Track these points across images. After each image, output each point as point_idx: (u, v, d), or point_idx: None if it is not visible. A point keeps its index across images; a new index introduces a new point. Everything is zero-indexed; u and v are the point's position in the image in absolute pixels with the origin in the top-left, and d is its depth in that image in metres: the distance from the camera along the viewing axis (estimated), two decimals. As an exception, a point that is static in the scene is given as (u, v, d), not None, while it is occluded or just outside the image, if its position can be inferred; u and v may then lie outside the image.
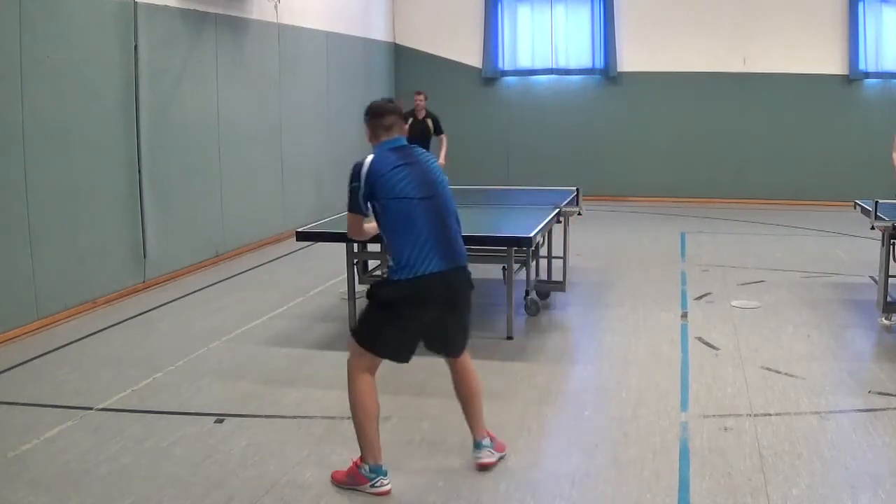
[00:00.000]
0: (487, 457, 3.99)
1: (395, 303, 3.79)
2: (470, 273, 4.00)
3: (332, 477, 3.88)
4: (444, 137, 10.70)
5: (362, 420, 3.78)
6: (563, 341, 6.15)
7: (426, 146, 10.06)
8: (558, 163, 13.07)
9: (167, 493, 3.77)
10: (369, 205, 3.87)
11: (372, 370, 3.85)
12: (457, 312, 3.96)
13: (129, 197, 7.32)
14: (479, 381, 4.08)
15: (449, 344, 4.02)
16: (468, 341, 4.07)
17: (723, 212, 12.07)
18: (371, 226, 4.00)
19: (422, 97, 10.66)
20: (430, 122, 10.63)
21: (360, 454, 3.80)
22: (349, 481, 3.80)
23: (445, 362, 4.07)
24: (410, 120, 10.50)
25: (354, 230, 4.05)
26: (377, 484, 3.75)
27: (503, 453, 4.09)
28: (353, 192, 3.87)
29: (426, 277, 3.75)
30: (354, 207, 3.91)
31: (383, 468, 3.78)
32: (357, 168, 3.85)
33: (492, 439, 4.06)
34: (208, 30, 8.41)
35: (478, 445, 4.01)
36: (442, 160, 10.09)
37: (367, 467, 3.76)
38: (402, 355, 3.91)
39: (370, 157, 3.86)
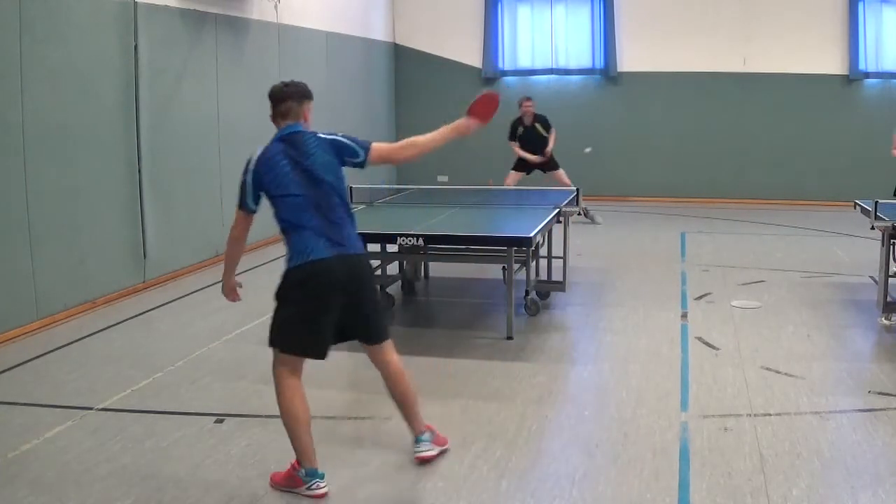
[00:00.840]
0: (427, 450, 4.00)
1: (290, 293, 3.73)
2: (366, 260, 3.97)
3: (271, 479, 3.84)
4: (553, 130, 10.72)
5: (292, 426, 3.71)
6: (563, 341, 6.15)
7: (541, 151, 10.60)
8: (558, 163, 13.04)
9: (167, 493, 3.77)
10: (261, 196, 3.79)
11: (295, 372, 3.76)
12: (358, 298, 3.79)
13: (129, 197, 7.32)
14: (408, 381, 3.99)
15: (362, 329, 3.88)
16: (385, 330, 3.95)
17: (723, 212, 12.08)
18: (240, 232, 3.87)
19: (530, 104, 10.57)
20: (539, 126, 10.61)
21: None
22: (286, 483, 3.77)
23: (372, 362, 3.97)
24: (520, 129, 10.65)
25: (235, 230, 3.90)
26: (313, 487, 3.72)
27: (444, 447, 4.11)
28: (241, 187, 3.80)
29: (315, 263, 3.67)
30: (241, 204, 3.82)
31: (319, 471, 3.74)
32: (247, 161, 3.80)
33: (431, 432, 4.07)
34: (208, 30, 8.42)
35: (417, 440, 4.02)
36: (549, 150, 10.65)
37: (303, 471, 3.73)
38: (313, 349, 3.77)
39: (259, 149, 3.81)
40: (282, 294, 3.77)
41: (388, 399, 4.71)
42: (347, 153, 3.85)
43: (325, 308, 3.72)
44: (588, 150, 11.43)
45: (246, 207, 3.81)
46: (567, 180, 10.36)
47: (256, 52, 9.32)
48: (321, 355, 3.81)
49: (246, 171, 3.80)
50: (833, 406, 4.74)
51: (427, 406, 4.74)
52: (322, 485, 3.73)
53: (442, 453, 4.09)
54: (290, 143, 3.79)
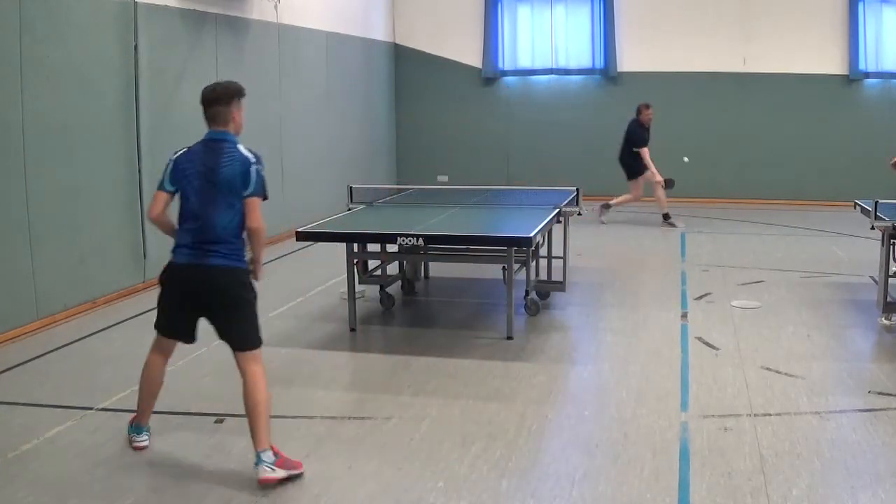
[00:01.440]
0: (265, 472, 3.77)
1: (161, 282, 4.22)
2: (224, 273, 3.99)
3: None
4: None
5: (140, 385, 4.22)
6: (563, 341, 6.15)
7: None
8: (558, 163, 13.07)
9: (167, 493, 3.77)
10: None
11: (162, 351, 4.22)
12: (216, 306, 3.99)
13: (129, 197, 7.32)
14: (261, 393, 3.90)
15: (223, 335, 4.04)
16: (245, 339, 3.97)
17: (723, 212, 12.08)
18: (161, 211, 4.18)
19: (650, 111, 10.82)
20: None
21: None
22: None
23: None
24: (647, 136, 10.87)
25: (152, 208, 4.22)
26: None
27: (294, 471, 3.86)
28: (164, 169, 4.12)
29: (174, 267, 4.11)
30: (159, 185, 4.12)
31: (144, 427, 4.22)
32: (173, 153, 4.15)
33: (275, 454, 3.84)
34: (208, 30, 8.41)
35: (257, 459, 3.82)
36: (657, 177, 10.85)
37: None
38: (168, 331, 4.19)
39: (183, 149, 4.13)
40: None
41: (388, 399, 4.73)
42: (244, 184, 3.99)
43: (178, 305, 4.11)
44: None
45: (160, 187, 4.13)
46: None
47: (256, 52, 9.32)
48: (174, 337, 4.21)
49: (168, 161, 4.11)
50: (833, 406, 4.74)
51: (427, 406, 4.75)
52: (138, 439, 4.22)
53: (291, 478, 3.83)
54: (205, 147, 4.08)
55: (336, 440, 4.33)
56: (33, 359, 5.66)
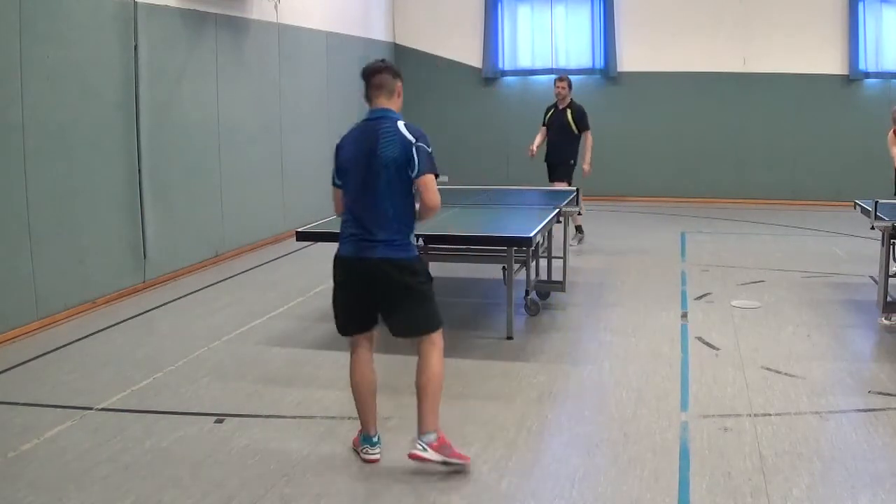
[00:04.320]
0: (416, 450, 3.90)
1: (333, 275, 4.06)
2: (396, 261, 3.92)
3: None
4: (587, 135, 9.23)
5: (353, 393, 4.15)
6: (563, 341, 6.15)
7: (567, 143, 9.15)
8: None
9: (167, 493, 3.77)
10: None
11: (358, 346, 4.10)
12: (387, 296, 3.95)
13: (129, 197, 7.32)
14: (431, 371, 3.97)
15: (390, 324, 4.05)
16: (422, 328, 3.99)
17: (723, 212, 12.08)
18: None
19: (564, 84, 9.23)
20: (570, 113, 9.20)
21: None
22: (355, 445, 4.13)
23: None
24: (551, 111, 9.39)
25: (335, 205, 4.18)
26: (364, 451, 4.08)
27: (452, 459, 3.91)
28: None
29: (340, 259, 4.01)
30: (333, 181, 4.09)
31: (373, 439, 4.09)
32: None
33: (437, 437, 3.93)
34: (208, 30, 8.41)
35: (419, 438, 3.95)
36: (586, 165, 9.20)
37: (361, 436, 4.12)
38: (346, 328, 4.08)
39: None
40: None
41: (388, 399, 4.72)
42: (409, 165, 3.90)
43: (352, 297, 3.99)
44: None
45: (333, 183, 4.10)
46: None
47: (256, 52, 9.32)
48: (353, 332, 4.07)
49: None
50: (833, 406, 4.74)
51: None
52: (371, 451, 4.06)
53: (448, 465, 3.89)
54: (364, 126, 4.01)
55: (336, 440, 4.33)
56: (33, 359, 5.66)
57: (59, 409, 4.74)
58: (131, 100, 7.29)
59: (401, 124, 3.93)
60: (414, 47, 13.71)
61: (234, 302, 7.19)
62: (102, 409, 4.76)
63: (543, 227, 6.27)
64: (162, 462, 4.09)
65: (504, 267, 6.09)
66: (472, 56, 13.55)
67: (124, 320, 6.60)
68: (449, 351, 5.74)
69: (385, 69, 4.02)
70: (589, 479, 3.89)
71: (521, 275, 6.53)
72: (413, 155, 3.85)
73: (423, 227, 6.18)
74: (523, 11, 13.38)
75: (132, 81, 7.28)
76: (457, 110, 13.66)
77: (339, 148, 4.03)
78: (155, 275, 7.64)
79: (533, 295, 6.70)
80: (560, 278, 6.98)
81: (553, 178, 9.30)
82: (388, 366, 5.51)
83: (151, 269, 7.60)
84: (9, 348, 5.84)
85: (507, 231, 6.53)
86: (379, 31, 13.16)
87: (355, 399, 4.08)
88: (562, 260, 7.02)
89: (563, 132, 9.19)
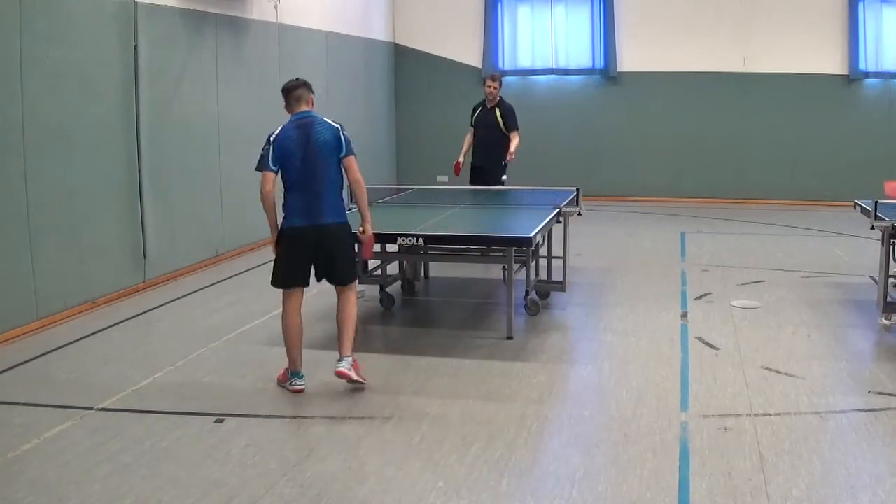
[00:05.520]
0: (342, 367, 4.87)
1: (282, 243, 4.95)
2: (338, 224, 4.94)
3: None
4: (514, 135, 8.73)
5: (284, 338, 5.04)
6: (563, 341, 6.15)
7: (496, 143, 8.71)
8: (558, 163, 13.06)
9: (167, 493, 3.77)
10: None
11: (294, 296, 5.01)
12: (331, 252, 4.95)
13: (129, 197, 7.32)
14: (348, 312, 5.02)
15: (329, 273, 5.00)
16: (350, 277, 5.07)
17: (723, 212, 12.07)
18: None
19: (496, 83, 8.85)
20: (498, 112, 8.80)
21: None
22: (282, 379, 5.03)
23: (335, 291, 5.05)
24: (479, 110, 9.05)
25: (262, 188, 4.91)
26: (293, 383, 4.97)
27: (361, 382, 4.89)
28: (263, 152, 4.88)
29: (292, 229, 4.88)
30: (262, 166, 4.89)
31: (300, 373, 4.99)
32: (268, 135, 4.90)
33: (353, 361, 4.94)
34: (208, 30, 8.41)
35: (340, 359, 4.92)
36: (510, 156, 8.62)
37: (290, 372, 5.00)
38: (290, 280, 4.95)
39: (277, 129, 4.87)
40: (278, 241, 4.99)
41: (388, 399, 4.72)
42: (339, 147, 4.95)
43: (302, 257, 4.93)
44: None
45: (266, 168, 4.89)
46: None
47: (256, 52, 9.32)
48: (295, 285, 4.97)
49: (267, 141, 4.87)
50: (833, 406, 4.74)
51: (427, 406, 4.76)
52: (298, 383, 4.96)
53: (356, 385, 4.87)
54: (300, 122, 4.88)
55: (336, 440, 4.33)
56: (33, 359, 5.66)
57: (59, 409, 4.73)
58: (131, 100, 7.29)
59: (325, 118, 4.94)
60: (414, 47, 13.71)
61: (234, 302, 7.19)
62: (102, 409, 4.76)
63: (543, 227, 6.27)
64: (162, 462, 4.08)
65: (504, 267, 6.09)
66: (471, 56, 13.54)
67: (124, 320, 6.60)
68: (449, 351, 5.79)
69: (302, 85, 4.95)
70: (589, 479, 3.89)
71: (521, 275, 6.53)
72: (342, 138, 4.88)
73: (423, 228, 6.23)
74: (523, 11, 13.37)
75: (132, 81, 7.28)
76: (457, 110, 13.61)
77: (276, 140, 4.84)
78: (155, 275, 7.64)
79: (533, 295, 6.70)
80: (560, 278, 6.98)
81: (481, 184, 8.64)
82: (389, 366, 5.53)
83: (151, 269, 7.60)
84: (9, 348, 5.84)
85: (507, 231, 6.53)
86: (379, 31, 13.16)
87: (286, 341, 4.95)
88: (562, 260, 7.02)
89: (492, 131, 8.81)
